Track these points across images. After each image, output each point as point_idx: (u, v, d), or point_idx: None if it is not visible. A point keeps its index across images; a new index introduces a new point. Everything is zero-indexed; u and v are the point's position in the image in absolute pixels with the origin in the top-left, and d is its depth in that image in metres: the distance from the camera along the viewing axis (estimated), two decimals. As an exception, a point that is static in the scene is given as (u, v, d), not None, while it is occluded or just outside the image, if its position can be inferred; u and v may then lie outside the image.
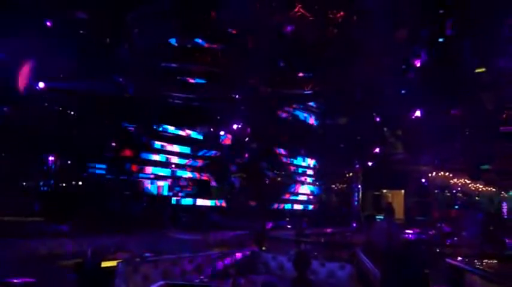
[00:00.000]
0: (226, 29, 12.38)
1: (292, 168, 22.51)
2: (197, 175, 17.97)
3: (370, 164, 22.56)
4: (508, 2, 11.21)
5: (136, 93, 13.75)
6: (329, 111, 19.39)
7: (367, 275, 5.94)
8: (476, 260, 6.03)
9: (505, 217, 24.47)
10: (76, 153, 14.10)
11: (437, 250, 9.01)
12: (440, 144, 18.99)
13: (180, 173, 17.36)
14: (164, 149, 16.77)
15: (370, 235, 8.36)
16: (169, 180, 16.91)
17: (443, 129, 17.31)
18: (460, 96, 15.44)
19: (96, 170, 14.89)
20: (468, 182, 27.54)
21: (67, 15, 11.35)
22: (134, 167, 15.63)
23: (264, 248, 8.42)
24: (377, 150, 20.99)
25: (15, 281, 5.14)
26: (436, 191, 26.69)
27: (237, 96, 15.99)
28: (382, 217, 9.85)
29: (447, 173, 25.66)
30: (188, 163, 17.70)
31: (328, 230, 14.57)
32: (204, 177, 18.24)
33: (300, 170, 23.34)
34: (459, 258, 6.48)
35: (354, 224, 18.72)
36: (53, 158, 14.15)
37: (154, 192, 16.25)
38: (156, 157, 16.45)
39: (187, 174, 17.67)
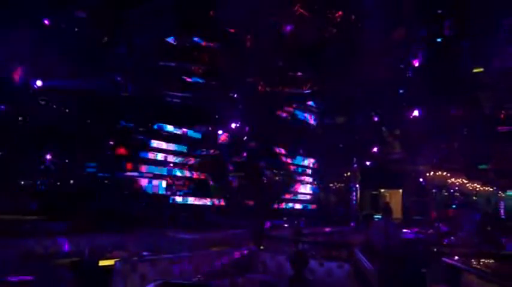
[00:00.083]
0: (225, 28, 12.37)
1: (291, 167, 22.53)
2: (195, 174, 17.97)
3: (368, 163, 22.60)
4: (507, 2, 11.23)
5: (134, 92, 13.74)
6: (327, 111, 19.41)
7: (365, 275, 5.95)
8: (473, 260, 6.04)
9: (502, 216, 24.55)
10: (73, 152, 14.08)
11: (435, 249, 9.03)
12: (438, 144, 19.04)
13: (177, 172, 17.35)
14: (162, 147, 16.75)
15: (368, 235, 8.39)
16: (167, 179, 16.90)
17: (441, 129, 17.36)
18: (458, 96, 15.48)
19: (93, 169, 14.88)
20: (466, 181, 27.62)
21: (65, 13, 11.33)
22: (131, 166, 15.62)
23: (262, 247, 8.43)
24: (375, 149, 21.02)
25: (12, 279, 5.14)
26: (433, 190, 26.75)
27: (235, 95, 15.99)
28: (380, 217, 9.88)
29: (445, 173, 25.71)
30: (186, 162, 17.68)
31: (326, 229, 14.57)
32: (202, 176, 18.23)
33: (299, 169, 23.35)
34: (456, 257, 6.49)
35: (352, 224, 18.74)
36: (50, 157, 14.13)
37: (152, 191, 16.24)
38: (153, 156, 16.43)
39: (185, 173, 17.66)
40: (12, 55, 10.54)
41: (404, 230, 12.66)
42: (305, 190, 23.79)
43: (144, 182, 16.05)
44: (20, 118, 12.86)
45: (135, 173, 15.75)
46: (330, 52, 12.99)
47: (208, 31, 12.49)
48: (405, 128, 18.37)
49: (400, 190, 25.85)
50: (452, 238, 11.45)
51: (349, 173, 22.90)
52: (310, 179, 24.22)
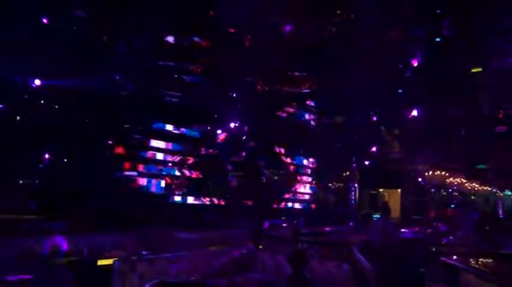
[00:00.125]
0: (224, 28, 12.37)
1: (290, 167, 22.54)
2: (194, 174, 17.96)
3: (367, 163, 22.62)
4: (506, 2, 11.25)
5: (133, 91, 13.73)
6: (326, 111, 19.42)
7: (364, 274, 5.96)
8: (471, 259, 6.05)
9: (501, 216, 24.60)
10: (72, 151, 14.06)
11: (433, 249, 9.04)
12: (437, 143, 19.07)
13: (176, 171, 17.34)
14: (160, 147, 16.75)
15: (367, 234, 8.40)
16: (166, 178, 16.90)
17: (440, 128, 17.38)
18: (456, 96, 15.50)
19: (92, 168, 14.85)
20: (464, 181, 27.68)
21: (64, 12, 11.31)
22: (130, 165, 15.61)
23: (260, 246, 8.43)
24: (374, 149, 21.04)
25: (11, 278, 5.13)
26: (432, 190, 26.80)
27: (234, 95, 15.99)
28: (378, 216, 9.89)
29: (444, 173, 25.76)
30: (184, 161, 17.68)
31: (325, 229, 14.58)
32: (201, 175, 18.23)
33: (298, 169, 23.36)
34: (454, 257, 6.50)
35: (351, 223, 18.75)
36: (48, 156, 14.11)
37: (151, 190, 16.24)
38: (152, 155, 16.43)
39: (184, 172, 17.65)
40: (11, 54, 10.52)
41: (403, 230, 12.67)
42: (304, 189, 23.80)
43: (142, 181, 16.04)
44: (18, 117, 12.82)
45: (134, 173, 15.74)
46: (329, 52, 13.00)
47: (207, 30, 12.48)
48: (404, 128, 18.39)
49: (399, 190, 25.90)
50: (450, 237, 11.46)
51: (348, 173, 22.93)
52: (309, 179, 24.23)
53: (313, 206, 23.85)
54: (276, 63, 13.78)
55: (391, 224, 8.28)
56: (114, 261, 5.22)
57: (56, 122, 13.15)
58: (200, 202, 17.82)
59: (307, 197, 23.92)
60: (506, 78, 13.93)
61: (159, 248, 7.27)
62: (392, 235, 7.76)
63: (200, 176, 18.17)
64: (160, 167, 16.73)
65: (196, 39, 12.96)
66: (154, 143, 16.52)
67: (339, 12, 12.22)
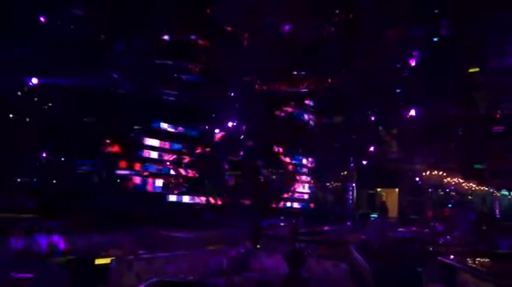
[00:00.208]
0: (222, 27, 12.36)
1: (288, 166, 22.54)
2: (191, 173, 17.95)
3: (364, 162, 22.65)
4: (503, 3, 11.27)
5: (131, 89, 13.71)
6: (324, 110, 19.44)
7: (361, 273, 5.96)
8: (468, 259, 6.07)
9: (497, 216, 24.66)
10: (69, 150, 14.03)
11: (431, 249, 9.06)
12: (435, 143, 19.11)
13: (174, 170, 17.32)
14: (158, 146, 16.72)
15: (365, 233, 8.41)
16: (163, 177, 16.88)
17: (437, 128, 17.42)
18: (454, 96, 15.54)
19: (89, 167, 14.83)
20: (461, 181, 27.74)
21: (62, 11, 11.28)
22: (127, 164, 15.58)
23: (258, 246, 8.42)
24: (372, 149, 21.07)
25: (16, 276, 5.12)
26: (430, 190, 26.85)
27: (232, 94, 15.98)
28: (376, 216, 9.91)
29: (441, 172, 25.82)
30: (182, 160, 17.66)
31: (323, 228, 14.59)
32: (198, 174, 18.21)
33: (296, 168, 23.37)
34: (452, 256, 6.52)
35: (349, 223, 18.78)
36: (45, 155, 14.07)
37: (148, 189, 16.22)
38: (149, 154, 16.41)
39: (181, 171, 17.64)
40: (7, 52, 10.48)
41: (401, 229, 12.69)
42: (302, 189, 23.82)
43: (140, 180, 16.01)
44: (16, 116, 12.79)
45: (131, 172, 15.72)
46: (328, 51, 13.00)
47: (205, 29, 12.47)
48: (402, 128, 18.42)
49: (397, 189, 25.93)
50: (448, 237, 11.48)
51: (346, 172, 22.96)
52: (307, 178, 24.24)
53: (311, 205, 23.87)
54: (274, 63, 13.77)
55: (388, 224, 8.30)
56: (111, 260, 5.22)
57: (53, 120, 13.12)
58: (197, 201, 17.81)
59: (305, 196, 23.93)
60: (503, 79, 13.97)
61: (156, 247, 7.26)
62: (389, 234, 7.78)
63: (198, 175, 18.15)
64: (158, 166, 16.71)
65: (194, 38, 12.93)
66: (152, 142, 16.49)
67: (337, 12, 12.22)
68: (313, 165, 24.34)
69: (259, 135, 18.65)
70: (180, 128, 17.59)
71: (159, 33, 12.53)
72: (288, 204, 22.36)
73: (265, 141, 19.58)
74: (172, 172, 17.26)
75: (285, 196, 22.26)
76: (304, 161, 24.02)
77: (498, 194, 27.69)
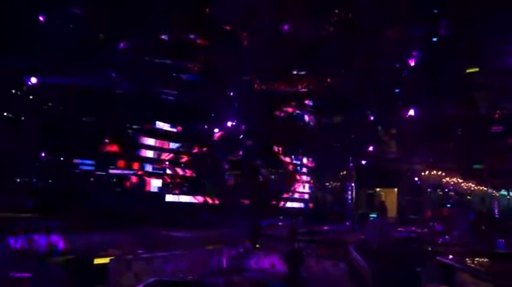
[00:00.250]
0: (221, 26, 12.35)
1: (287, 166, 22.54)
2: (190, 172, 17.94)
3: (364, 162, 22.65)
4: (502, 3, 11.28)
5: (129, 89, 13.69)
6: (324, 110, 19.43)
7: (360, 273, 5.97)
8: (467, 258, 6.08)
9: (496, 216, 24.67)
10: (68, 149, 14.01)
11: (429, 248, 9.07)
12: (434, 143, 19.12)
13: (172, 170, 17.31)
14: (157, 146, 16.71)
15: (364, 233, 8.41)
16: (162, 177, 16.86)
17: (436, 128, 17.43)
18: (453, 96, 15.54)
19: (88, 167, 14.81)
20: (460, 181, 27.76)
21: (61, 10, 11.27)
22: (126, 164, 15.57)
23: (257, 245, 8.43)
24: (371, 149, 21.08)
25: (12, 275, 5.12)
26: (428, 189, 26.87)
27: (231, 93, 15.97)
28: (375, 215, 9.91)
29: (440, 172, 25.83)
30: (181, 160, 17.65)
31: (322, 228, 14.60)
32: (197, 174, 18.20)
33: (295, 168, 23.37)
34: (450, 256, 6.52)
35: (348, 223, 18.79)
36: (44, 155, 14.05)
37: (147, 189, 16.20)
38: (148, 154, 16.39)
39: (180, 171, 17.63)
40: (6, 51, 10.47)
41: (400, 229, 12.70)
42: (302, 189, 23.82)
43: (138, 180, 16.00)
44: (12, 115, 12.77)
45: (130, 171, 15.71)
46: (327, 51, 13.00)
47: (204, 28, 12.46)
48: (401, 128, 18.43)
49: (396, 189, 25.94)
50: (446, 237, 11.49)
51: (345, 172, 22.96)
52: (306, 178, 24.25)
53: (311, 205, 23.88)
54: (274, 62, 13.76)
55: (387, 224, 8.29)
56: (110, 260, 5.21)
57: (52, 120, 13.10)
58: (196, 201, 17.80)
59: (305, 196, 23.94)
60: (502, 79, 13.98)
61: (155, 247, 7.26)
62: (388, 234, 7.77)
63: (197, 175, 18.14)
64: (157, 166, 16.70)
65: (193, 37, 12.92)
66: (151, 141, 16.48)
67: (337, 11, 12.21)
68: (312, 165, 24.35)
69: (259, 135, 18.64)
70: (179, 128, 17.58)
71: (158, 33, 12.51)
72: (288, 204, 22.35)
73: (264, 141, 19.57)
74: (171, 172, 17.24)
75: (284, 195, 22.26)
76: (304, 161, 24.03)
77: (497, 194, 27.69)
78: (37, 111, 13.07)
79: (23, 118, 12.91)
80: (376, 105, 17.27)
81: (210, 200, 18.18)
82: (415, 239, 11.42)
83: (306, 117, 20.44)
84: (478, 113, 16.10)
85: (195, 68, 14.24)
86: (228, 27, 12.44)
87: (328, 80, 15.33)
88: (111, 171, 15.11)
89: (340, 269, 5.88)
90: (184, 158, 17.76)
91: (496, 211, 25.79)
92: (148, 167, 16.35)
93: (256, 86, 15.04)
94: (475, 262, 5.92)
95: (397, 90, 16.32)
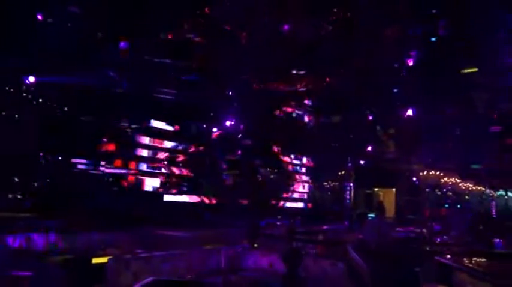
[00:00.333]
0: (220, 25, 12.34)
1: (286, 166, 22.56)
2: (188, 172, 17.92)
3: (362, 162, 22.68)
4: (502, 2, 11.30)
5: (129, 88, 13.68)
6: (322, 110, 19.44)
7: (358, 273, 5.97)
8: (465, 258, 6.08)
9: (494, 216, 24.73)
10: (66, 148, 13.99)
11: (428, 248, 9.09)
12: (432, 143, 19.16)
13: (171, 169, 17.30)
14: (155, 145, 16.70)
15: (362, 233, 8.43)
16: (160, 176, 16.86)
17: (435, 128, 17.46)
18: (451, 96, 15.57)
19: (86, 166, 14.79)
20: (458, 181, 27.82)
21: (60, 8, 11.25)
22: (125, 163, 15.55)
23: (255, 245, 8.43)
24: (369, 148, 21.11)
25: (12, 274, 5.11)
26: (427, 189, 26.92)
27: (230, 93, 15.97)
28: (373, 215, 9.93)
29: (438, 172, 25.87)
30: (179, 159, 17.64)
31: (321, 227, 14.61)
32: (196, 174, 18.19)
33: (294, 168, 23.39)
34: (448, 256, 6.53)
35: (346, 223, 18.81)
36: (42, 154, 14.02)
37: (145, 188, 16.19)
38: (146, 153, 16.38)
39: (178, 170, 17.61)
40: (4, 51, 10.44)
41: (398, 229, 12.72)
42: (300, 188, 23.84)
43: (137, 179, 15.99)
44: (10, 114, 12.73)
45: (128, 171, 15.69)
46: (325, 50, 13.00)
47: (203, 28, 12.45)
48: (399, 128, 18.46)
49: (394, 189, 25.99)
50: (445, 237, 11.52)
51: (343, 172, 22.98)
52: (305, 178, 24.27)
53: (309, 205, 23.90)
54: (272, 62, 13.76)
55: (385, 224, 8.31)
56: (108, 259, 5.20)
57: (51, 119, 13.08)
58: (194, 201, 17.79)
59: (303, 196, 23.96)
60: (501, 79, 14.01)
61: (154, 246, 7.25)
62: (386, 234, 7.79)
63: (195, 174, 18.13)
64: (155, 165, 16.68)
65: (191, 36, 12.91)
66: (148, 140, 16.47)
67: (335, 10, 12.22)
68: (311, 164, 24.37)
69: (257, 134, 18.64)
70: (177, 127, 17.57)
71: (156, 32, 12.50)
72: (286, 204, 22.37)
73: (263, 141, 19.58)
74: (169, 171, 17.23)
75: (283, 195, 22.28)
76: (303, 160, 24.04)
77: (495, 194, 27.74)
78: (35, 110, 13.04)
79: (21, 117, 12.88)
80: (374, 105, 17.30)
81: (207, 200, 18.18)
82: (414, 239, 11.45)
83: (305, 117, 20.45)
84: (477, 113, 16.14)
85: (194, 68, 14.23)
86: (227, 27, 12.44)
87: (327, 79, 15.34)
88: (109, 170, 15.09)
89: (339, 268, 5.88)
90: (183, 158, 17.75)
91: (493, 211, 25.86)
92: (146, 167, 16.34)
93: (254, 85, 15.03)
94: (473, 261, 5.93)
95: (395, 90, 16.35)
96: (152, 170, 16.53)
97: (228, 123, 17.54)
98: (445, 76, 14.14)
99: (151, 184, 16.45)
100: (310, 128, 20.27)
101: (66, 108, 13.75)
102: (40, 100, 13.28)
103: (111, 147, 15.05)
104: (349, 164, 22.03)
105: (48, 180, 14.03)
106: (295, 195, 23.40)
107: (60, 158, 14.48)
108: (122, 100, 14.08)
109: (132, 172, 15.85)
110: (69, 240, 7.49)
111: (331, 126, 19.01)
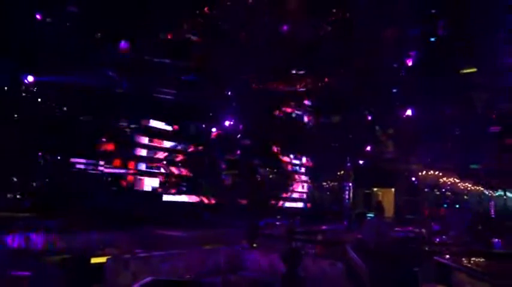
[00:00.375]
0: (219, 25, 12.34)
1: (285, 166, 22.56)
2: (187, 172, 17.91)
3: (361, 162, 22.69)
4: (500, 3, 11.31)
5: (128, 88, 13.67)
6: (322, 110, 19.45)
7: (357, 272, 5.97)
8: (464, 258, 6.08)
9: (493, 216, 24.75)
10: (65, 148, 13.98)
11: (426, 248, 9.09)
12: (431, 143, 19.18)
13: (169, 169, 17.28)
14: (153, 145, 16.68)
15: (361, 233, 8.42)
16: (160, 176, 16.84)
17: (434, 128, 17.47)
18: (450, 96, 15.59)
19: (85, 166, 14.78)
20: (457, 181, 27.84)
21: (59, 8, 11.23)
22: (124, 163, 15.54)
23: (255, 245, 8.42)
24: (368, 148, 21.11)
25: (11, 274, 5.11)
26: (426, 189, 26.94)
27: (229, 93, 15.96)
28: (372, 215, 9.93)
29: (437, 172, 25.89)
30: (178, 159, 17.63)
31: (320, 227, 14.61)
32: (195, 174, 18.17)
33: (293, 168, 23.39)
34: (447, 256, 6.53)
35: (345, 222, 18.80)
36: (41, 154, 14.00)
37: (145, 188, 16.17)
38: (145, 153, 16.37)
39: (177, 170, 17.60)
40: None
41: (397, 229, 12.73)
42: (299, 188, 23.85)
43: (135, 179, 15.97)
44: (9, 114, 12.71)
45: (127, 170, 15.68)
46: (325, 50, 13.00)
47: (202, 28, 12.44)
48: (398, 128, 18.47)
49: (393, 189, 26.00)
50: (443, 236, 11.52)
51: (342, 172, 22.98)
52: (304, 178, 24.27)
53: (308, 205, 23.90)
54: (272, 62, 13.76)
55: (384, 224, 8.31)
56: (107, 259, 5.19)
57: (49, 119, 13.06)
58: (193, 201, 17.78)
59: (303, 196, 23.96)
60: (499, 79, 14.02)
61: (153, 246, 7.25)
62: (385, 234, 7.79)
63: (194, 174, 18.11)
64: (154, 165, 16.67)
65: (191, 36, 12.90)
66: (147, 140, 16.46)
67: (334, 11, 12.23)
68: (310, 164, 24.37)
69: (256, 134, 18.64)
70: (177, 127, 17.56)
71: (156, 32, 12.49)
72: (285, 204, 22.37)
73: (262, 141, 19.58)
74: (168, 171, 17.21)
75: (282, 195, 22.27)
76: (302, 160, 24.05)
77: (494, 194, 27.78)
78: (35, 110, 13.02)
79: (21, 117, 12.86)
80: (373, 105, 17.31)
81: (206, 200, 18.17)
82: (412, 239, 11.45)
83: (304, 117, 20.45)
84: (476, 113, 16.15)
85: (194, 68, 14.23)
86: (226, 27, 12.43)
87: (326, 79, 15.35)
88: (108, 170, 15.07)
89: (338, 268, 5.88)
90: (182, 158, 17.73)
91: (492, 211, 25.89)
92: (145, 167, 16.32)
93: (254, 85, 15.03)
94: (472, 261, 5.93)
95: (394, 90, 16.36)
96: (151, 170, 16.52)
97: (227, 123, 17.53)
98: (444, 76, 14.15)
99: (150, 183, 16.43)
100: (310, 128, 20.28)
101: (65, 108, 13.73)
102: (39, 100, 13.26)
103: (110, 147, 15.04)
104: (348, 164, 22.01)
105: (47, 180, 14.00)
106: (295, 195, 23.40)
107: (59, 157, 14.47)
108: (121, 100, 14.07)
109: (131, 171, 15.83)
110: (68, 240, 7.48)
111: (331, 126, 19.02)
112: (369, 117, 18.46)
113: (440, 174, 26.32)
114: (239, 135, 18.69)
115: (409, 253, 8.39)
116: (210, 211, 17.25)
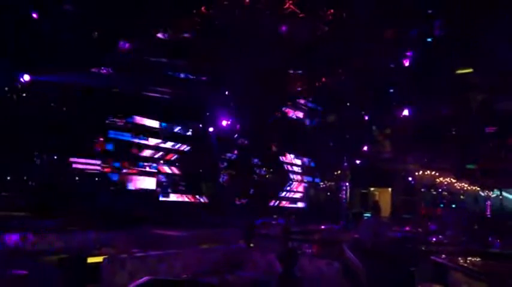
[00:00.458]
0: (216, 25, 12.33)
1: (282, 165, 22.58)
2: (185, 171, 17.90)
3: (358, 162, 22.74)
4: (497, 4, 11.35)
5: (125, 87, 13.65)
6: (319, 110, 19.50)
7: (354, 272, 5.99)
8: (460, 258, 6.11)
9: (489, 216, 24.89)
10: (62, 148, 13.94)
11: (423, 248, 9.12)
12: (428, 143, 19.25)
13: (167, 169, 17.27)
14: (152, 144, 16.66)
15: (358, 232, 8.45)
16: (157, 176, 16.82)
17: (430, 128, 17.54)
18: (447, 96, 15.64)
19: (82, 165, 14.74)
20: (454, 181, 27.96)
21: (54, 7, 11.20)
22: (122, 163, 15.51)
23: (251, 244, 8.43)
24: (365, 148, 21.16)
25: (9, 273, 5.09)
26: (422, 189, 27.04)
27: (226, 92, 15.96)
28: (369, 215, 9.96)
29: (433, 172, 26.00)
30: (176, 159, 17.61)
31: (316, 227, 14.63)
32: (192, 173, 18.17)
33: (290, 167, 23.42)
34: (443, 255, 6.56)
35: (342, 222, 18.84)
36: (38, 153, 13.96)
37: (142, 188, 16.15)
38: (143, 153, 16.35)
39: (175, 170, 17.59)
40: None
41: (394, 229, 12.76)
42: (296, 188, 23.88)
43: (133, 179, 15.95)
44: (6, 114, 12.66)
45: (125, 170, 15.65)
46: (321, 50, 13.02)
47: (200, 28, 12.43)
48: (395, 128, 18.52)
49: (390, 189, 26.09)
50: (440, 236, 11.57)
51: (339, 172, 23.04)
52: (301, 177, 24.31)
53: (305, 204, 23.94)
54: (269, 62, 13.77)
55: (381, 223, 8.34)
56: (103, 259, 5.18)
57: (46, 118, 13.02)
58: (191, 200, 17.78)
59: (299, 195, 24.00)
60: (496, 79, 14.07)
61: (149, 246, 7.24)
62: (382, 233, 7.81)
63: (191, 174, 18.11)
64: (151, 165, 16.65)
65: (188, 36, 12.89)
66: (145, 140, 16.43)
67: (331, 11, 12.24)
68: (307, 164, 24.41)
69: (254, 134, 18.65)
70: (174, 126, 17.55)
71: (153, 31, 12.47)
72: (282, 203, 22.39)
73: (259, 140, 19.59)
74: (165, 171, 17.20)
75: (279, 194, 22.30)
76: (299, 160, 24.08)
77: (490, 194, 27.91)
78: (32, 109, 12.97)
79: (19, 117, 12.81)
80: (370, 105, 17.35)
81: (203, 200, 18.16)
82: (409, 238, 11.49)
83: (301, 117, 20.48)
84: (472, 113, 16.22)
85: (191, 67, 14.22)
86: (223, 27, 12.42)
87: (323, 79, 15.37)
88: (105, 170, 15.04)
89: (335, 268, 5.89)
90: (179, 157, 17.72)
91: (488, 210, 26.02)
92: (144, 166, 16.30)
93: (251, 85, 15.03)
94: (468, 261, 5.95)
95: (391, 91, 16.40)
96: (149, 170, 16.50)
97: (224, 122, 17.53)
98: (440, 76, 14.20)
99: (148, 183, 16.42)
100: (307, 127, 20.31)
101: (64, 108, 13.69)
102: (38, 100, 13.22)
103: (108, 146, 15.02)
104: (345, 164, 22.08)
105: (45, 179, 13.96)
106: (291, 195, 23.44)
107: (55, 157, 14.42)
108: (119, 99, 14.04)
109: (129, 171, 15.81)
110: (65, 239, 7.46)
111: (328, 126, 19.05)
112: (366, 117, 18.50)
113: (437, 174, 26.42)
114: (236, 135, 18.70)
115: (405, 252, 8.42)
116: (207, 210, 17.24)
